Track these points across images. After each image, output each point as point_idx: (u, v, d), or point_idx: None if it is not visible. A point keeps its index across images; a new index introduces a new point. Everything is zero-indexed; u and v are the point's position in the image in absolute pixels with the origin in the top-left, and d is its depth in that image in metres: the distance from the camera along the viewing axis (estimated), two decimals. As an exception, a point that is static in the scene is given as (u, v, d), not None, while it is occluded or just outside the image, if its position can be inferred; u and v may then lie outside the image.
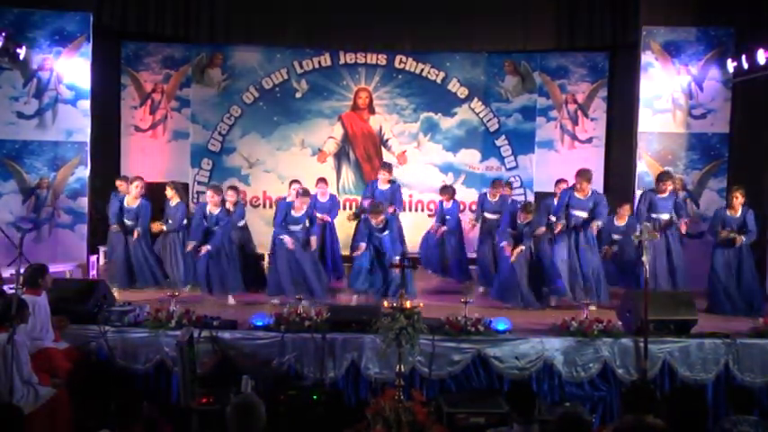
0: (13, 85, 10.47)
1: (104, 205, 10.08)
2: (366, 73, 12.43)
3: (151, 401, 6.41)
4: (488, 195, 10.19)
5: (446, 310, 7.66)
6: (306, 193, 9.04)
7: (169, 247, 9.65)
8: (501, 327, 7.32)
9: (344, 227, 10.86)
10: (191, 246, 8.86)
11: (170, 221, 9.66)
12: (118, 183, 10.14)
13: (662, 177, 9.18)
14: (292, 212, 8.86)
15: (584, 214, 8.80)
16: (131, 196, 9.51)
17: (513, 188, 11.91)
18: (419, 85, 12.41)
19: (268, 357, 7.01)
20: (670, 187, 9.08)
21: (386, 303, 6.58)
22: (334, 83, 12.44)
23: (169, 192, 9.79)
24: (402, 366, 6.18)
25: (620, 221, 9.67)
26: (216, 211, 8.99)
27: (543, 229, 8.82)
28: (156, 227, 9.68)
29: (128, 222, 9.53)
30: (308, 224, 8.91)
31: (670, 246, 9.02)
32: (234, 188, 9.91)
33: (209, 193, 9.13)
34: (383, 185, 10.27)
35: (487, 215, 10.10)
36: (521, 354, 7.12)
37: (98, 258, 10.57)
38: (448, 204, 10.31)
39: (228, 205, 9.37)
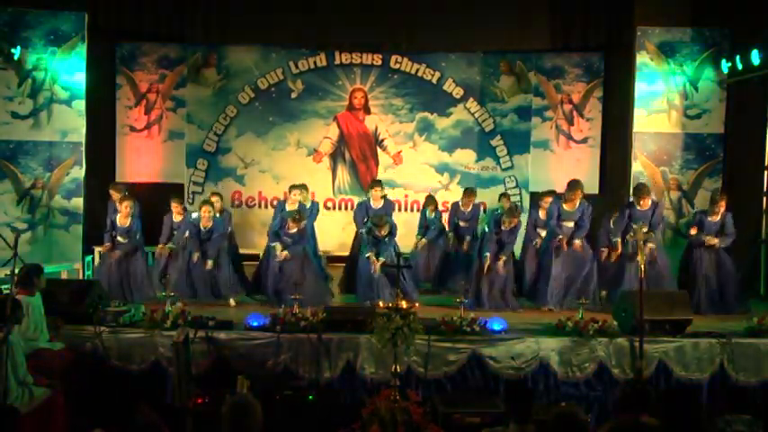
0: (8, 85, 10.43)
1: (99, 205, 10.04)
2: (362, 73, 12.42)
3: (147, 402, 6.41)
4: (461, 205, 10.20)
5: (442, 311, 7.66)
6: (301, 219, 8.93)
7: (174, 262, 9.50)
8: (496, 327, 7.32)
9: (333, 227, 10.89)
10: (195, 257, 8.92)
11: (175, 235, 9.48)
12: (112, 192, 10.02)
13: (641, 191, 8.88)
14: (287, 229, 8.88)
15: (571, 224, 8.84)
16: (122, 215, 9.03)
17: (508, 188, 11.98)
18: (415, 85, 12.40)
19: (264, 358, 7.00)
20: (649, 201, 8.83)
21: (381, 303, 6.57)
22: (329, 83, 12.42)
23: (177, 207, 9.52)
24: (398, 366, 6.17)
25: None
26: (209, 224, 8.98)
27: (538, 240, 8.93)
28: (162, 250, 9.32)
29: (120, 240, 9.08)
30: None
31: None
32: (217, 194, 9.94)
33: (203, 209, 9.03)
34: (376, 203, 9.92)
35: (460, 223, 10.16)
36: (516, 354, 7.12)
37: (93, 259, 10.55)
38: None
39: (215, 213, 9.35)
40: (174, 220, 9.44)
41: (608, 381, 7.14)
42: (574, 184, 9.01)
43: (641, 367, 6.93)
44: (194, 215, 9.28)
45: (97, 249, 10.58)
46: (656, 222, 8.82)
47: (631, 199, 9.21)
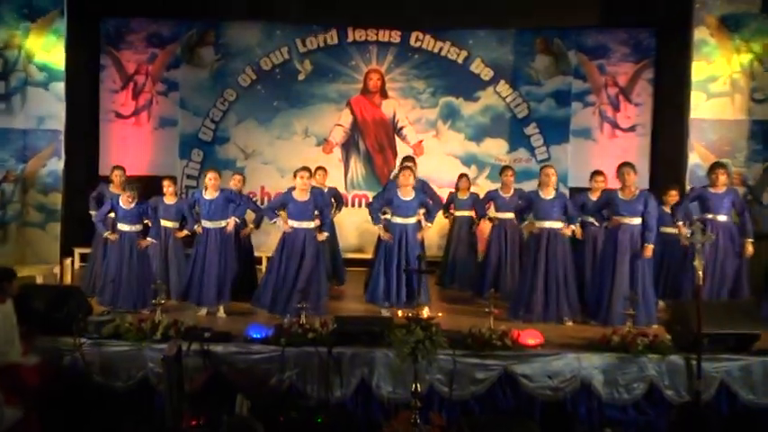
0: (-24, 66, 10.54)
1: (80, 201, 10.05)
2: (378, 52, 12.45)
3: (133, 424, 6.39)
4: (500, 191, 10.07)
5: (468, 322, 7.61)
6: (306, 168, 8.69)
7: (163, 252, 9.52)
8: (531, 341, 7.27)
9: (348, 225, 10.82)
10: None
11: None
12: (116, 174, 9.91)
13: (713, 167, 8.84)
14: (294, 196, 8.57)
15: (635, 220, 8.62)
16: (125, 197, 8.80)
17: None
18: (438, 66, 12.43)
19: (266, 374, 6.99)
20: (723, 179, 8.69)
21: (400, 313, 6.55)
22: (341, 63, 12.46)
23: (170, 187, 9.46)
24: (418, 385, 6.16)
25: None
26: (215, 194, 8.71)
27: (576, 227, 8.75)
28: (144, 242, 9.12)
29: (124, 227, 8.78)
30: (317, 214, 8.66)
31: (720, 252, 8.58)
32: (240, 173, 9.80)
33: (210, 175, 8.75)
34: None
35: (500, 215, 10.00)
36: (554, 372, 7.07)
37: (73, 261, 10.59)
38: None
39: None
40: (166, 202, 9.41)
41: (660, 404, 7.06)
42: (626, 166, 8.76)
43: (699, 389, 6.86)
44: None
45: (78, 251, 10.63)
46: (741, 208, 8.69)
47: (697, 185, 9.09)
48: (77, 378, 7.03)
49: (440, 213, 9.80)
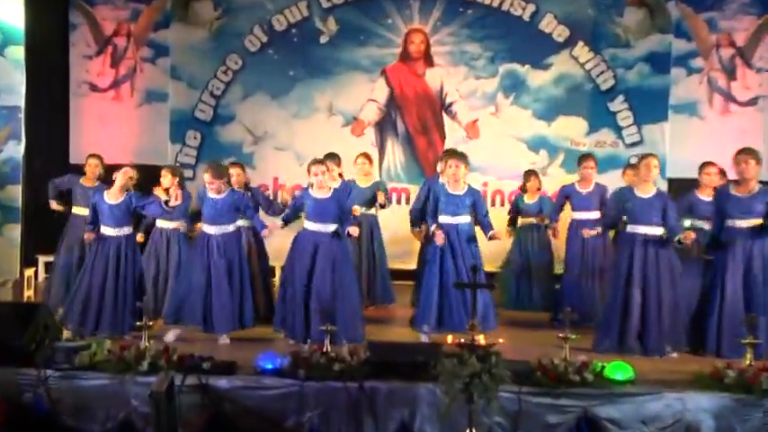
0: None
1: (46, 196, 10.15)
2: (421, 7, 12.50)
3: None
4: (577, 185, 10.02)
5: (538, 351, 7.59)
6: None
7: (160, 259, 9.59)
8: (620, 376, 7.23)
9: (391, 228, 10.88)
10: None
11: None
12: (90, 162, 10.05)
13: None
14: (312, 194, 8.63)
15: (755, 220, 8.56)
16: (111, 192, 8.82)
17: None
18: (498, 24, 12.46)
19: (281, 414, 7.02)
20: None
21: (450, 339, 6.54)
22: (374, 22, 12.53)
23: (167, 180, 9.50)
24: (474, 430, 6.14)
25: None
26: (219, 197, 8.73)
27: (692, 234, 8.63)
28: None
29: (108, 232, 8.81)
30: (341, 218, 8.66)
31: None
32: (238, 165, 9.84)
33: (207, 176, 8.73)
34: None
35: (578, 215, 10.00)
36: (650, 416, 7.01)
37: (36, 272, 10.68)
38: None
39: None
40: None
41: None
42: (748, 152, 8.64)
43: None
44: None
45: (42, 260, 10.73)
46: None
47: None
48: (42, 419, 7.10)
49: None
